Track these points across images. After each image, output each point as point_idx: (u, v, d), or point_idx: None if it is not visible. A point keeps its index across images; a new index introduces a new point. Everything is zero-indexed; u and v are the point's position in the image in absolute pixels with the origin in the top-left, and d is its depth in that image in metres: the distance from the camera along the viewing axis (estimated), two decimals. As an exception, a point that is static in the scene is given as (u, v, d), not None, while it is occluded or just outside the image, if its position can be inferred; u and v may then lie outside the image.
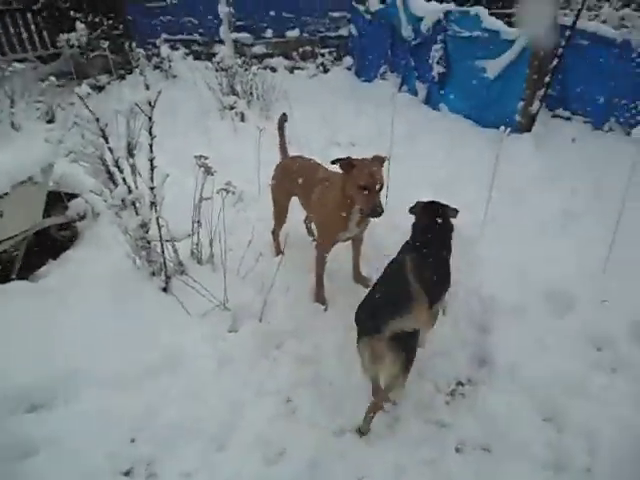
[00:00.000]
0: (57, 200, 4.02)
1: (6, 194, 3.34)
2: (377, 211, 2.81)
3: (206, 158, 3.19)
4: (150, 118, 2.88)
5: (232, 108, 6.84)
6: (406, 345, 2.32)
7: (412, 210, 3.13)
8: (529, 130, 5.63)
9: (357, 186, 2.83)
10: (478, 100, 6.32)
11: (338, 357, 2.95)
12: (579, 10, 5.12)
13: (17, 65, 6.65)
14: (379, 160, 2.99)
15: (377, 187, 2.83)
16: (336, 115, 7.04)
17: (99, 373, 2.72)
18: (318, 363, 2.93)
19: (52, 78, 4.80)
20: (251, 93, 7.27)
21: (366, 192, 2.82)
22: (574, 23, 5.11)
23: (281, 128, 3.88)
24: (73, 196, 4.17)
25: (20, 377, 2.67)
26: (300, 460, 2.38)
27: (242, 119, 6.78)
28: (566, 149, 5.28)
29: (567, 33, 5.17)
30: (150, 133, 2.92)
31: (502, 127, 3.68)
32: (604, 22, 5.29)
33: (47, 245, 4.01)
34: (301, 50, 9.69)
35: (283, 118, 3.89)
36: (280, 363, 2.93)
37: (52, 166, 3.76)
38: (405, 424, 2.59)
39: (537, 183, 4.68)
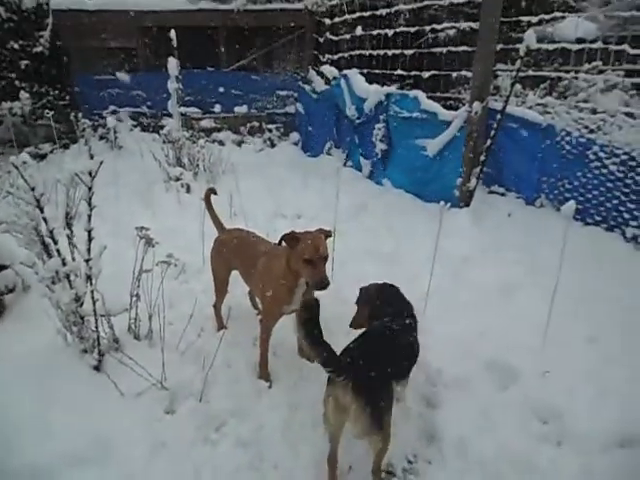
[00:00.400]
0: (-17, 272, 3.77)
1: None
2: (323, 284, 2.78)
3: (147, 229, 3.12)
4: (90, 188, 2.80)
5: (178, 179, 6.82)
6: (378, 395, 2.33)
7: (364, 299, 3.13)
8: (468, 205, 5.88)
9: (302, 259, 2.81)
10: (419, 176, 6.59)
11: (283, 437, 2.80)
12: (507, 97, 5.56)
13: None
14: (324, 233, 3.01)
15: (322, 260, 2.83)
16: (282, 188, 7.14)
17: (9, 467, 2.41)
18: (261, 444, 2.76)
19: (-12, 145, 4.66)
20: (197, 165, 7.31)
21: (311, 265, 2.80)
22: (504, 108, 5.53)
23: (208, 202, 3.84)
24: (2, 267, 3.93)
25: None
26: None
27: (188, 191, 6.76)
28: (502, 223, 5.51)
29: (498, 117, 5.56)
30: (89, 203, 2.84)
31: (442, 202, 3.81)
32: (530, 108, 5.73)
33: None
34: (249, 125, 9.94)
35: (209, 192, 3.86)
36: (220, 446, 2.74)
37: (-21, 236, 3.56)
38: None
39: (477, 256, 4.82)
